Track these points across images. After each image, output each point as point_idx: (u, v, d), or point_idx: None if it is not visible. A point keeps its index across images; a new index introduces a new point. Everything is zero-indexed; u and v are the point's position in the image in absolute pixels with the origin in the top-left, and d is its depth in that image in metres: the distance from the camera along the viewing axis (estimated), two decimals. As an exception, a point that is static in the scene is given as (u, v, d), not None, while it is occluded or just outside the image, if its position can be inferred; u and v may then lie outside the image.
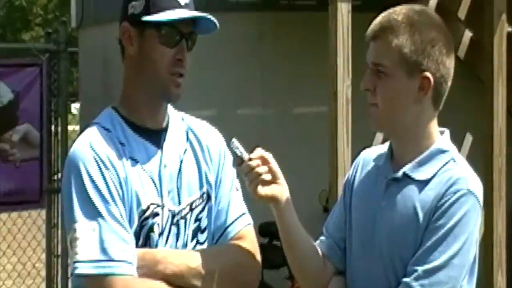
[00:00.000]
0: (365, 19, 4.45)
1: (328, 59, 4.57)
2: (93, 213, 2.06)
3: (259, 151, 2.12)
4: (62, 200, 2.15)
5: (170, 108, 2.28)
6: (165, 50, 2.14)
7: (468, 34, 6.34)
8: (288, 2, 6.16)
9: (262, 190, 2.10)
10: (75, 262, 2.05)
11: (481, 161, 4.78)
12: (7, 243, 7.12)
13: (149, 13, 2.12)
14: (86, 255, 2.04)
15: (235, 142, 2.12)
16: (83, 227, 2.04)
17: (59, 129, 6.46)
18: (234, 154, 2.13)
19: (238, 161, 2.13)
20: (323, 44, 4.66)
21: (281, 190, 2.13)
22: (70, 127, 6.85)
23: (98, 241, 2.04)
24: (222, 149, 2.28)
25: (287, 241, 2.19)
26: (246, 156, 2.11)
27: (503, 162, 4.94)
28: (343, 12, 4.50)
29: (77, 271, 2.04)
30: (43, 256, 6.62)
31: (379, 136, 5.76)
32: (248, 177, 2.10)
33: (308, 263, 2.18)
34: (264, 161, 2.11)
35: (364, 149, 2.29)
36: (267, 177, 2.10)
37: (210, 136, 2.29)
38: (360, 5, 5.13)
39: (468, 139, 6.08)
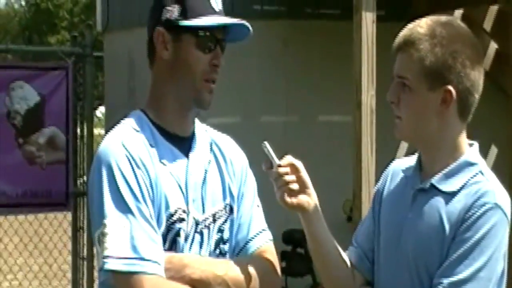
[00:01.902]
0: (389, 29, 4.46)
1: (352, 69, 4.57)
2: (124, 210, 2.04)
3: (289, 158, 2.11)
4: (90, 196, 2.12)
5: (195, 119, 2.28)
6: (201, 55, 2.14)
7: (493, 46, 6.31)
8: (312, 10, 6.17)
9: (289, 199, 2.10)
10: (104, 257, 2.03)
11: (506, 172, 4.76)
12: (33, 244, 7.18)
13: (186, 18, 2.13)
14: (116, 251, 2.02)
15: (267, 146, 2.11)
16: (114, 223, 2.03)
17: (85, 132, 6.50)
18: (265, 156, 2.12)
19: (268, 165, 2.12)
20: (347, 53, 4.67)
21: (308, 199, 2.12)
22: (95, 131, 6.88)
23: (129, 238, 2.02)
24: (245, 165, 2.28)
25: (315, 250, 2.19)
26: (276, 161, 2.11)
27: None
28: (368, 22, 4.51)
29: (106, 266, 2.03)
30: (69, 258, 6.66)
31: (404, 146, 5.75)
32: (276, 184, 2.10)
33: (337, 273, 2.17)
34: (294, 170, 2.10)
35: (392, 160, 2.29)
36: (295, 186, 2.09)
37: (233, 150, 2.29)
38: (384, 15, 5.13)
39: (494, 150, 6.05)
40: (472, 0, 5.84)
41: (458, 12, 6.02)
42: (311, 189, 2.12)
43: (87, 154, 6.35)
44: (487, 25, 6.31)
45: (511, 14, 5.14)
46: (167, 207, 2.12)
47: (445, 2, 5.93)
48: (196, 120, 2.28)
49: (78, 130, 6.51)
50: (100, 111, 7.82)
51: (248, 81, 6.00)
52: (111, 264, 2.02)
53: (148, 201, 2.07)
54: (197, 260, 2.13)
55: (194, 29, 2.12)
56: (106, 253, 2.03)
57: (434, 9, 5.34)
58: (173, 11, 2.14)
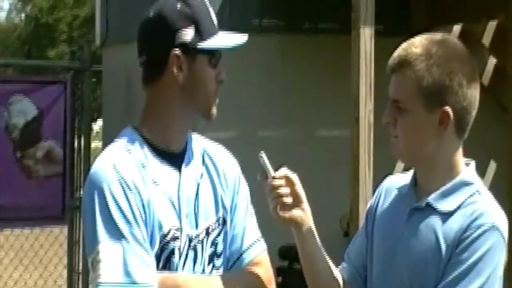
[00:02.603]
0: (388, 44, 4.46)
1: (350, 84, 4.56)
2: (116, 235, 2.04)
3: (284, 171, 2.09)
4: (83, 219, 2.13)
5: None
6: (212, 72, 2.18)
7: (492, 61, 6.31)
8: (311, 25, 6.18)
9: (282, 212, 2.07)
10: (98, 284, 2.04)
11: (505, 189, 4.74)
12: (29, 258, 7.16)
13: (201, 40, 2.14)
14: (109, 277, 2.02)
15: (263, 157, 2.10)
16: (107, 248, 2.03)
17: (82, 146, 6.49)
18: (261, 166, 2.11)
19: (263, 176, 2.10)
20: (346, 67, 4.66)
21: (301, 215, 2.09)
22: (93, 145, 6.87)
23: (122, 263, 2.03)
24: (237, 175, 2.27)
25: (307, 266, 2.16)
26: (271, 172, 2.09)
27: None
28: (366, 37, 4.50)
29: None
30: (65, 272, 6.63)
31: (401, 162, 5.73)
32: (270, 196, 2.08)
33: None
34: (289, 183, 2.08)
35: (387, 175, 2.27)
36: (288, 200, 2.07)
37: (226, 160, 2.28)
38: (383, 30, 5.13)
39: (492, 166, 6.03)
40: (471, 15, 5.85)
41: (457, 27, 6.03)
42: (305, 204, 2.10)
43: (84, 168, 6.33)
44: (486, 40, 6.31)
45: (510, 29, 5.14)
46: (160, 227, 2.11)
47: (444, 17, 5.93)
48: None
49: (76, 144, 6.51)
50: (98, 124, 7.81)
51: (246, 95, 5.99)
52: None
53: (140, 224, 2.07)
54: (191, 279, 2.12)
55: (210, 50, 2.15)
56: (99, 280, 2.03)
57: (433, 24, 5.35)
58: (187, 33, 2.13)
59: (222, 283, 2.13)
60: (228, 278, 2.17)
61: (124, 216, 2.05)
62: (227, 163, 2.27)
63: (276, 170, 2.09)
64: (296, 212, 2.08)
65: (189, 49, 2.14)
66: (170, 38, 2.15)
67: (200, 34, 2.14)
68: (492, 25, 6.29)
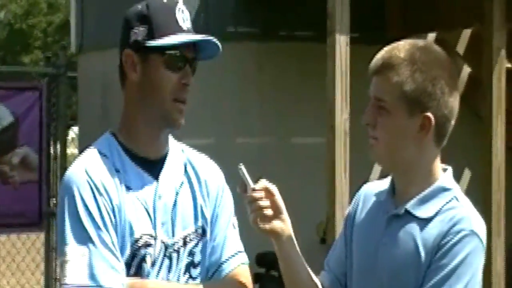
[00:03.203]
0: (363, 52, 4.49)
1: (326, 92, 4.58)
2: (84, 238, 2.05)
3: (264, 182, 2.09)
4: (57, 223, 2.15)
5: (170, 139, 2.26)
6: (170, 74, 2.12)
7: (466, 70, 6.37)
8: (287, 32, 6.20)
9: (262, 224, 2.07)
10: (62, 285, 2.04)
11: (479, 197, 4.78)
12: (6, 264, 7.11)
13: (153, 38, 2.12)
14: (74, 279, 2.03)
15: (243, 169, 2.09)
16: (73, 251, 2.04)
17: (58, 152, 6.46)
18: (240, 178, 2.10)
19: (243, 188, 2.10)
20: (322, 74, 4.68)
21: (282, 226, 2.09)
22: (68, 151, 6.84)
23: (87, 266, 2.03)
24: (221, 185, 2.26)
25: (287, 275, 2.16)
26: (251, 184, 2.09)
27: (502, 198, 4.93)
28: (341, 44, 4.53)
29: None
30: (42, 278, 6.59)
31: (377, 168, 5.76)
32: (250, 207, 2.08)
33: None
34: (268, 194, 2.08)
35: (364, 182, 2.27)
36: (268, 212, 2.07)
37: (209, 170, 2.26)
38: (358, 37, 5.16)
39: (467, 174, 6.08)
40: (445, 24, 5.89)
41: (432, 36, 6.08)
42: (285, 215, 2.10)
43: (60, 174, 6.30)
44: (460, 48, 6.37)
45: (484, 38, 5.19)
46: (132, 232, 2.10)
47: (419, 26, 5.98)
48: (172, 140, 2.26)
49: (51, 150, 6.47)
50: (74, 131, 7.78)
51: (222, 102, 6.00)
52: None
53: (110, 228, 2.06)
54: (161, 285, 2.11)
55: (162, 49, 2.11)
56: (65, 281, 2.04)
57: (408, 32, 5.38)
58: (140, 32, 2.12)
59: None
60: (203, 286, 2.16)
61: (93, 220, 2.05)
62: (211, 174, 2.26)
63: (255, 182, 2.09)
64: (276, 223, 2.08)
65: (140, 48, 2.12)
66: (125, 37, 2.15)
67: (152, 33, 2.11)
68: (466, 33, 6.35)
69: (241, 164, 2.08)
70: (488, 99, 5.02)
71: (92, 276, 2.03)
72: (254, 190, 2.06)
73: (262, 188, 2.07)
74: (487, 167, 4.98)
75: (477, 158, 5.24)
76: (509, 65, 5.63)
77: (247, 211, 2.08)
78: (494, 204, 4.90)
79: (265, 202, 2.06)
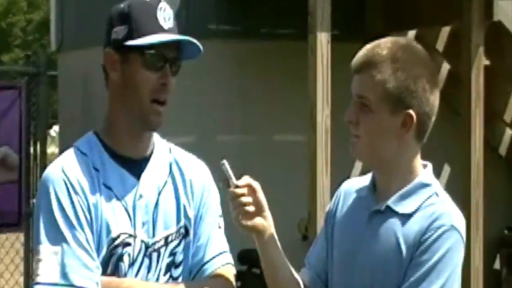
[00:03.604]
0: (344, 49, 4.49)
1: (307, 89, 4.59)
2: (57, 236, 2.04)
3: (247, 179, 2.10)
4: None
5: (157, 138, 2.25)
6: (149, 74, 2.11)
7: (446, 66, 6.40)
8: (268, 30, 6.20)
9: (244, 221, 2.08)
10: (35, 283, 2.04)
11: (458, 192, 4.81)
12: (-15, 265, 7.07)
13: (132, 38, 2.11)
14: (46, 278, 2.02)
15: (226, 164, 2.09)
16: (46, 249, 2.04)
17: (38, 152, 6.42)
18: (223, 174, 2.10)
19: (225, 183, 2.10)
20: (303, 72, 4.69)
21: (263, 222, 2.10)
22: (49, 150, 6.81)
23: (60, 265, 2.02)
24: (207, 185, 2.25)
25: (269, 272, 2.17)
26: (234, 181, 2.09)
27: (480, 194, 4.97)
28: (323, 42, 4.54)
29: None
30: (21, 279, 6.55)
31: (358, 165, 5.79)
32: (232, 204, 2.08)
33: None
34: (251, 191, 2.08)
35: (345, 179, 2.29)
36: (251, 209, 2.08)
37: (196, 170, 2.25)
38: (339, 35, 5.17)
39: (446, 170, 6.12)
40: (425, 21, 5.92)
41: (412, 33, 6.10)
42: (267, 212, 2.11)
43: (40, 174, 6.26)
44: (440, 45, 6.40)
45: (463, 35, 5.22)
46: (109, 232, 2.10)
47: (399, 23, 6.00)
48: (158, 139, 2.25)
49: (31, 150, 6.44)
50: (55, 130, 7.74)
51: (204, 100, 5.99)
52: None
53: (85, 227, 2.06)
54: (137, 284, 2.10)
55: (141, 48, 2.10)
56: (37, 279, 2.04)
57: (389, 30, 5.41)
58: (120, 31, 2.12)
59: None
60: (183, 286, 2.16)
61: (67, 218, 2.05)
62: (196, 173, 2.25)
63: (238, 178, 2.09)
64: (258, 221, 2.09)
65: (120, 47, 2.11)
66: (107, 37, 2.16)
67: (132, 32, 2.11)
68: (445, 30, 6.38)
69: (223, 159, 2.08)
70: (467, 96, 5.06)
71: (64, 275, 2.02)
72: (237, 186, 2.07)
73: (245, 184, 2.08)
74: (466, 163, 5.02)
75: (456, 154, 5.28)
76: (487, 62, 5.67)
77: (229, 208, 2.09)
78: (473, 199, 4.94)
79: (247, 199, 2.06)
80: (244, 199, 2.06)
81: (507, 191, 6.75)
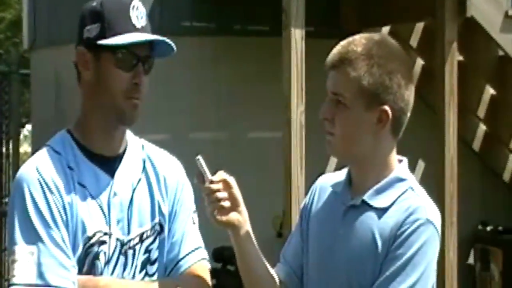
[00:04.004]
0: (318, 46, 4.49)
1: (281, 86, 4.59)
2: (33, 236, 2.02)
3: (222, 174, 2.09)
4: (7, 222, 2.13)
5: (130, 135, 2.24)
6: (122, 74, 2.10)
7: (420, 62, 6.43)
8: (242, 27, 6.20)
9: (219, 216, 2.07)
10: (11, 284, 2.01)
11: (433, 187, 4.83)
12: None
13: (104, 37, 2.10)
14: (22, 278, 2.00)
15: (200, 160, 2.08)
16: (22, 250, 2.01)
17: (11, 151, 6.37)
18: (197, 169, 2.09)
19: (200, 179, 2.09)
20: (277, 69, 4.69)
21: (239, 218, 2.09)
22: (22, 149, 6.76)
23: (36, 265, 2.00)
24: (181, 182, 2.24)
25: (244, 268, 2.16)
26: (209, 176, 2.08)
27: (454, 189, 5.00)
28: (297, 39, 4.54)
29: None
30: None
31: (333, 162, 5.80)
32: (207, 199, 2.07)
33: None
34: (226, 186, 2.08)
35: (320, 175, 2.28)
36: (226, 204, 2.07)
37: (169, 167, 2.24)
38: (314, 31, 5.17)
39: (421, 165, 6.15)
40: (399, 18, 5.95)
41: (385, 29, 6.12)
42: (242, 207, 2.10)
43: (13, 173, 6.22)
44: (414, 41, 6.43)
45: (436, 31, 5.25)
46: (84, 230, 2.08)
47: (373, 20, 6.02)
48: (131, 136, 2.24)
49: (4, 149, 6.39)
50: (27, 128, 7.68)
51: (178, 97, 5.98)
52: None
53: (60, 226, 2.04)
54: (114, 283, 2.09)
55: (113, 48, 2.09)
56: (13, 280, 2.02)
57: (363, 26, 5.42)
58: (92, 30, 2.11)
59: None
60: (159, 283, 2.15)
61: (42, 218, 2.03)
62: (170, 170, 2.24)
63: (213, 174, 2.08)
64: (233, 216, 2.08)
65: (92, 46, 2.10)
66: (80, 35, 2.14)
67: (104, 31, 2.09)
68: (419, 26, 6.41)
69: (198, 155, 2.07)
70: (441, 92, 5.09)
71: (41, 275, 2.00)
72: (212, 182, 2.06)
73: (220, 179, 2.07)
74: (440, 158, 5.05)
75: (431, 149, 5.30)
76: (461, 58, 5.71)
77: (205, 203, 2.08)
78: (447, 194, 4.97)
79: (222, 194, 2.05)
80: (219, 194, 2.06)
81: (481, 187, 6.80)
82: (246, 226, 2.11)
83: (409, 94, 2.08)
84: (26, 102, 9.33)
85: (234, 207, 2.08)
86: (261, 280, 2.16)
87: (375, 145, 2.07)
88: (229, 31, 6.15)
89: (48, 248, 2.02)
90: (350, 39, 2.09)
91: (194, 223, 2.25)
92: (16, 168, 6.21)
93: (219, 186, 2.06)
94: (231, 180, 2.08)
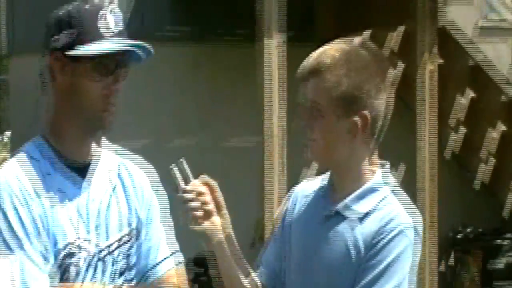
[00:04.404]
0: (295, 51, 4.51)
1: (261, 91, 4.60)
2: (11, 245, 1.99)
3: (204, 178, 2.08)
4: None
5: (104, 141, 2.23)
6: (97, 80, 2.07)
7: (400, 66, 6.46)
8: (221, 35, 6.20)
9: (193, 225, 2.06)
10: None
11: (413, 190, 4.86)
12: None
13: (81, 43, 2.06)
14: None
15: (175, 170, 2.07)
16: (0, 259, 1.99)
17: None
18: (173, 178, 2.08)
19: (174, 188, 2.08)
20: (257, 75, 4.70)
21: (221, 222, 2.09)
22: (0, 156, 6.72)
23: (11, 275, 1.98)
24: (155, 186, 2.21)
25: (226, 272, 2.15)
26: (181, 184, 2.07)
27: (435, 192, 5.03)
28: (275, 45, 4.55)
29: None
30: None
31: (313, 168, 5.81)
32: (180, 210, 2.07)
33: None
34: (209, 190, 2.06)
35: (299, 181, 2.28)
36: (198, 214, 2.06)
37: (143, 172, 2.25)
38: (293, 36, 5.18)
39: (402, 168, 6.17)
40: (377, 22, 5.96)
41: (366, 33, 6.14)
42: (225, 211, 2.10)
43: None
44: (394, 45, 6.46)
45: (416, 34, 5.27)
46: (64, 237, 2.07)
47: (351, 24, 6.04)
48: (105, 142, 2.23)
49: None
50: (5, 135, 7.64)
51: (159, 104, 5.97)
52: None
53: (38, 234, 2.03)
54: None
55: (87, 55, 2.07)
56: None
57: (341, 31, 5.43)
58: (63, 37, 2.08)
59: None
60: None
61: (22, 226, 2.01)
62: (144, 175, 2.24)
63: (196, 177, 2.08)
64: (209, 224, 2.07)
65: (60, 56, 2.06)
66: (46, 43, 2.11)
67: (73, 41, 2.05)
68: (399, 31, 6.44)
69: (182, 158, 2.06)
70: (421, 95, 5.11)
71: (19, 284, 1.99)
72: (185, 191, 2.05)
73: (203, 183, 2.07)
74: (421, 161, 5.07)
75: (411, 151, 5.33)
76: (441, 61, 5.73)
77: (178, 212, 2.07)
78: (427, 197, 4.99)
79: (195, 204, 2.05)
80: (193, 204, 2.05)
81: (460, 189, 6.84)
82: (229, 230, 2.11)
83: (383, 102, 2.07)
84: (5, 108, 9.28)
85: (217, 211, 2.08)
86: (243, 285, 2.15)
87: (351, 152, 2.06)
88: (209, 37, 6.15)
89: (23, 258, 1.99)
90: (323, 48, 2.08)
91: (170, 228, 2.25)
92: (-4, 175, 6.18)
93: (192, 195, 2.05)
94: (214, 184, 2.08)
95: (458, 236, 6.63)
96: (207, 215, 2.08)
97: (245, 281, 2.16)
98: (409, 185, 4.64)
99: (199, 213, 2.05)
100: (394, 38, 6.40)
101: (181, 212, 2.06)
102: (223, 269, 2.15)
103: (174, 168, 2.06)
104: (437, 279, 5.04)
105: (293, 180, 2.45)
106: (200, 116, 6.10)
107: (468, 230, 6.69)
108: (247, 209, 5.36)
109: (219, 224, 2.09)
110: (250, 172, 5.61)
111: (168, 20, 6.07)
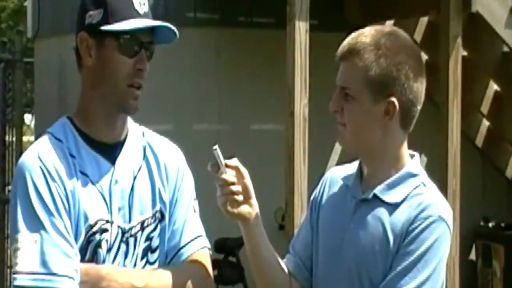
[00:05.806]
0: (322, 38, 4.48)
1: (285, 78, 4.58)
2: (36, 224, 2.02)
3: (236, 162, 2.09)
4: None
5: (130, 122, 2.24)
6: (125, 59, 2.10)
7: (424, 57, 6.42)
8: (246, 19, 6.18)
9: (230, 208, 2.07)
10: (14, 273, 2.02)
11: (435, 182, 4.83)
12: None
13: (108, 23, 2.09)
14: (25, 267, 2.01)
15: (218, 150, 2.08)
16: (25, 238, 2.01)
17: (14, 139, 6.37)
18: (213, 159, 2.08)
19: (215, 169, 2.08)
20: (281, 61, 4.68)
21: (250, 210, 2.09)
22: (25, 138, 6.76)
23: (39, 253, 2.01)
24: (181, 169, 2.24)
25: (254, 259, 2.16)
26: (223, 168, 2.06)
27: (457, 184, 5.00)
28: (301, 31, 4.53)
29: (15, 282, 2.01)
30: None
31: (335, 155, 5.79)
32: (221, 190, 2.07)
33: (274, 281, 2.16)
34: (239, 176, 2.08)
35: (326, 168, 2.28)
36: (239, 198, 2.07)
37: (169, 154, 2.24)
38: (317, 24, 5.16)
39: (423, 160, 6.15)
40: (403, 12, 5.93)
41: (389, 23, 6.11)
42: (254, 199, 2.10)
43: (16, 161, 6.22)
44: (418, 36, 6.42)
45: (440, 25, 5.24)
46: (86, 218, 2.08)
47: (377, 13, 6.01)
48: (132, 124, 2.24)
49: (7, 137, 6.39)
50: (28, 118, 7.68)
51: (181, 88, 5.97)
52: (20, 280, 2.01)
53: (63, 214, 2.04)
54: (116, 271, 2.09)
55: (117, 33, 2.09)
56: (16, 268, 2.02)
57: (366, 20, 5.41)
58: (95, 15, 2.10)
59: (149, 277, 2.11)
60: (156, 272, 2.15)
61: (45, 206, 2.03)
62: (170, 157, 2.24)
63: (227, 158, 2.08)
64: (244, 208, 2.08)
65: (95, 32, 2.09)
66: (81, 21, 2.13)
67: (107, 17, 2.08)
68: (423, 21, 6.40)
69: (216, 145, 2.07)
70: (445, 87, 5.08)
71: (44, 263, 2.00)
72: (227, 165, 2.05)
73: (234, 166, 2.07)
74: (443, 153, 5.04)
75: (433, 144, 5.30)
76: (465, 53, 5.69)
77: (217, 193, 2.07)
78: (450, 190, 4.97)
79: (237, 188, 2.05)
80: (234, 187, 2.05)
81: (483, 183, 6.79)
82: (256, 217, 2.11)
83: (418, 86, 2.07)
84: (27, 91, 9.32)
85: (246, 199, 2.08)
86: (271, 270, 2.16)
87: (384, 138, 2.06)
88: (233, 23, 6.13)
89: (51, 236, 2.02)
90: (360, 31, 2.09)
91: (195, 211, 2.25)
92: (19, 156, 6.21)
93: (234, 179, 2.05)
94: (244, 171, 2.08)
95: (481, 230, 6.59)
96: (245, 199, 2.09)
97: (273, 267, 2.16)
98: (431, 178, 4.60)
99: (240, 197, 2.06)
100: (418, 28, 6.36)
101: (220, 194, 2.06)
102: (253, 255, 2.16)
103: (217, 150, 2.07)
104: (459, 273, 5.01)
105: (315, 169, 2.44)
106: (222, 102, 6.09)
107: (491, 224, 6.65)
108: (268, 197, 5.35)
109: (255, 207, 2.10)
110: (272, 159, 5.61)
111: (192, 5, 6.06)
